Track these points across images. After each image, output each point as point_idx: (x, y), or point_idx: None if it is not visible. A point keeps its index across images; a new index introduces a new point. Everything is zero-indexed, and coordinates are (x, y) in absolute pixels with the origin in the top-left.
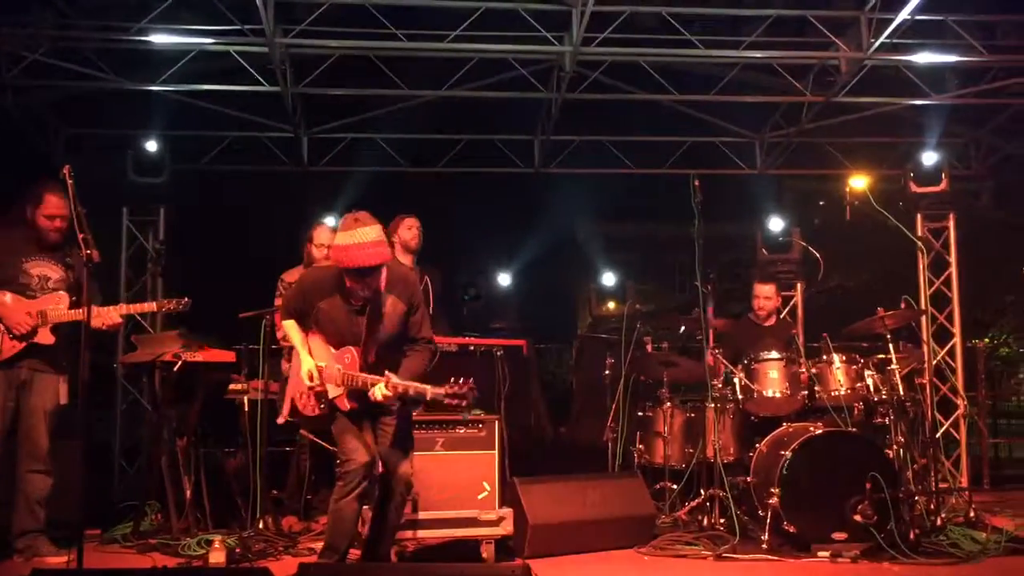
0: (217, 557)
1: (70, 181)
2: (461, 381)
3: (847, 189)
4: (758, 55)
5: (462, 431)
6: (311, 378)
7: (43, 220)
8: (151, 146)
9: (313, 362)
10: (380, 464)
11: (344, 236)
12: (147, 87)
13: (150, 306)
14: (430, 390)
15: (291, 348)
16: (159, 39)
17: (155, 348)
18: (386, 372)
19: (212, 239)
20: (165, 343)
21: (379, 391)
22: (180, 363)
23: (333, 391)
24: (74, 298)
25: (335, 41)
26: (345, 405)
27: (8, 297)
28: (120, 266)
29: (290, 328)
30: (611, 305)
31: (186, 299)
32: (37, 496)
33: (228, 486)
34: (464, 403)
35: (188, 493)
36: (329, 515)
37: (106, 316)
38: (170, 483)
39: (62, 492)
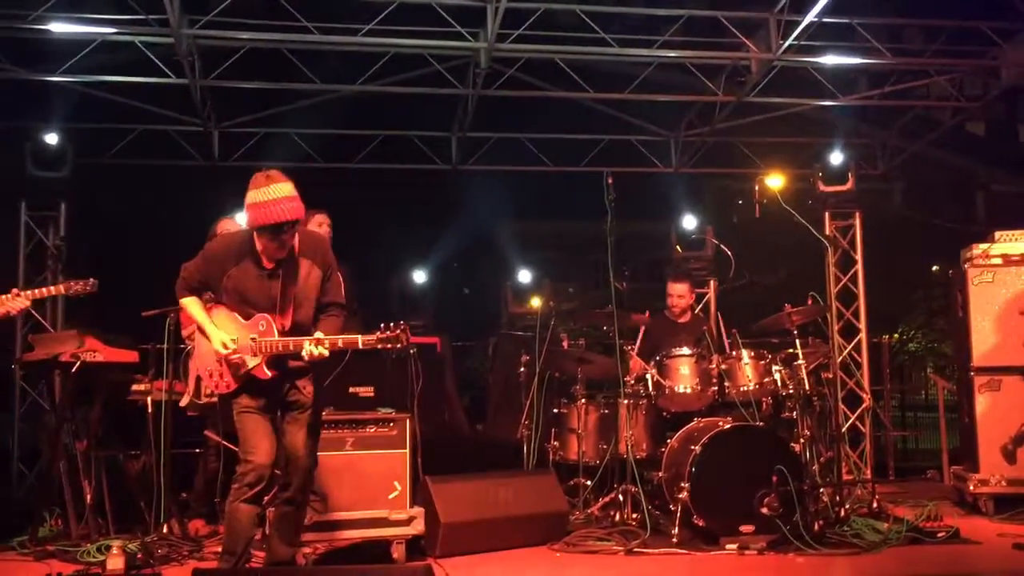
0: (115, 563)
1: None
2: (392, 324)
3: (756, 188)
4: (671, 54)
5: (372, 430)
6: (225, 347)
7: None
8: (51, 139)
9: (223, 333)
10: (283, 462)
11: (256, 193)
12: (47, 77)
13: (56, 289)
14: (361, 338)
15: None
16: (59, 27)
17: (52, 348)
18: (315, 330)
19: (117, 236)
20: (63, 342)
21: (313, 348)
22: (79, 364)
23: (251, 361)
24: None
25: (244, 33)
26: (265, 374)
27: None
28: (18, 262)
29: (190, 304)
30: (535, 302)
31: (93, 280)
32: None
33: (131, 490)
34: (400, 345)
35: (88, 498)
36: (225, 517)
37: (11, 303)
38: (69, 487)
39: None
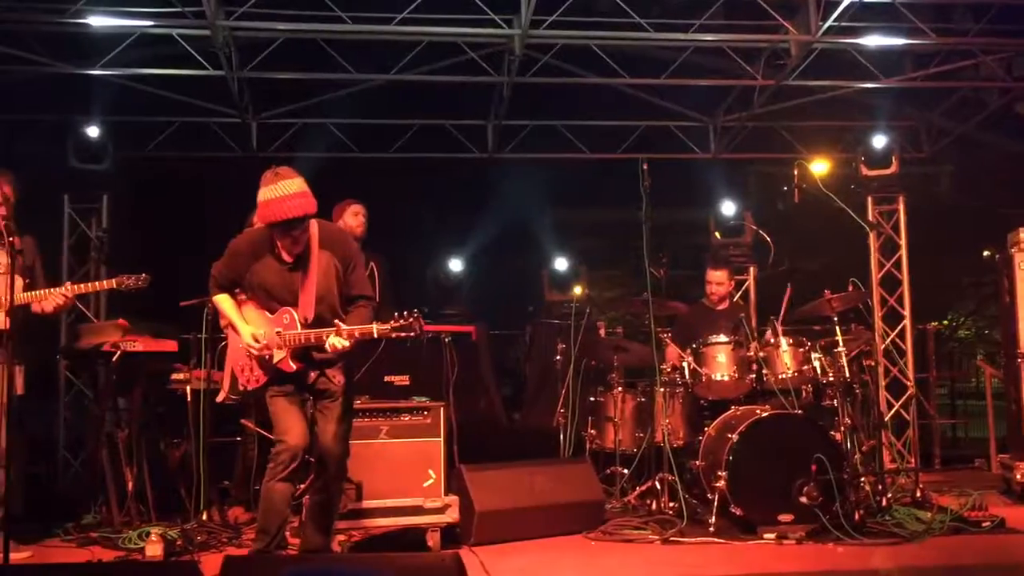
0: (154, 550)
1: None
2: (406, 313)
3: (795, 173)
4: (708, 38)
5: (407, 419)
6: (256, 340)
7: None
8: (93, 132)
9: (252, 328)
10: (316, 450)
11: (266, 191)
12: (88, 71)
13: (108, 283)
14: (375, 327)
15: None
16: (97, 21)
17: (94, 338)
18: (336, 322)
19: (158, 227)
20: (105, 332)
21: (336, 341)
22: (119, 353)
23: (277, 355)
24: (27, 280)
25: (279, 24)
26: (290, 367)
27: None
28: (62, 254)
29: (221, 302)
30: (577, 290)
31: (144, 275)
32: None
33: (172, 478)
34: (413, 333)
35: (130, 485)
36: (260, 497)
37: (56, 297)
38: (111, 476)
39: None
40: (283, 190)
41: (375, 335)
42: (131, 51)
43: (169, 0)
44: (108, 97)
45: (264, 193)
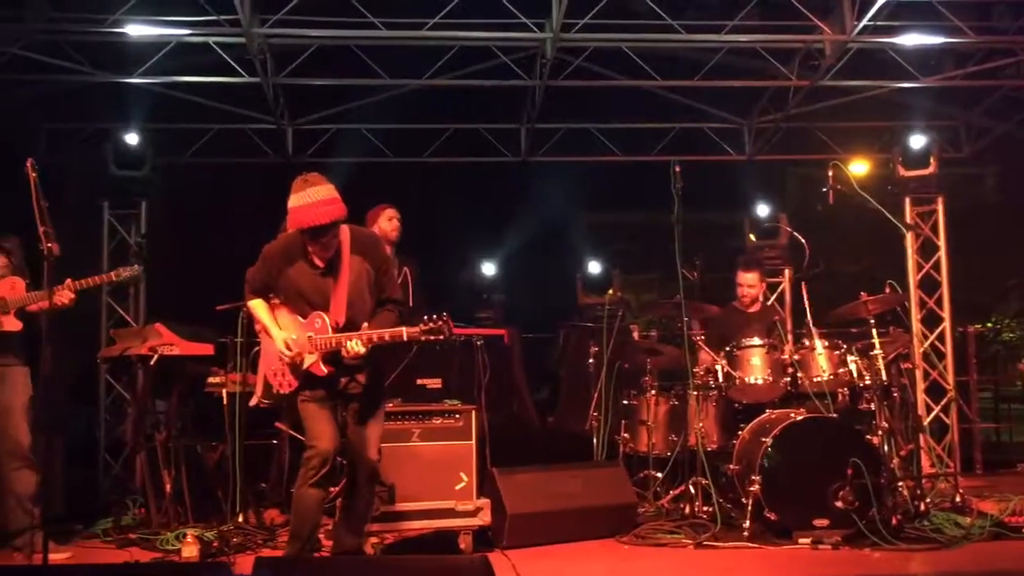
0: (190, 551)
1: (33, 174)
2: (435, 316)
3: (829, 174)
4: (742, 39)
5: (438, 421)
6: (288, 347)
7: None
8: (131, 139)
9: (286, 333)
10: (347, 453)
11: (295, 198)
12: (125, 79)
13: (107, 277)
14: (405, 330)
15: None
16: (135, 30)
17: (132, 342)
18: (363, 326)
19: (195, 232)
20: (142, 337)
21: (353, 345)
22: (157, 356)
23: (307, 359)
24: (27, 281)
25: (313, 31)
26: (321, 370)
27: None
28: (103, 260)
29: (256, 307)
30: (610, 293)
31: (137, 265)
32: (27, 493)
33: (209, 480)
34: (442, 336)
35: (168, 487)
36: (293, 503)
37: (59, 295)
38: (150, 477)
39: (45, 487)
40: (311, 197)
41: (405, 338)
42: (168, 60)
43: (205, 9)
44: (146, 105)
45: (294, 200)
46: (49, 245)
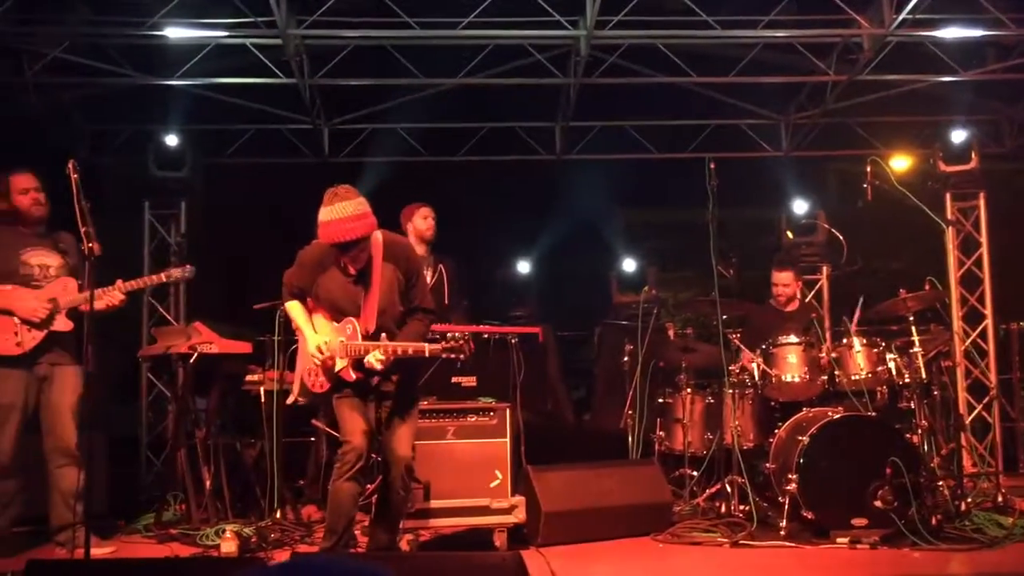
0: (228, 547)
1: (75, 175)
2: (457, 335)
3: (867, 169)
4: (778, 34)
5: (473, 419)
6: (320, 351)
7: (20, 198)
8: (171, 140)
9: (319, 337)
10: (381, 450)
11: (324, 211)
12: (166, 82)
13: (157, 278)
14: (427, 347)
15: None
16: (174, 33)
17: (172, 340)
18: (382, 337)
19: (235, 232)
20: (182, 335)
21: (373, 357)
22: (197, 355)
23: (339, 363)
24: (80, 282)
25: (348, 31)
26: (351, 376)
27: (18, 291)
28: (143, 259)
29: (292, 309)
30: (647, 290)
31: (189, 266)
32: (72, 490)
33: (247, 476)
34: (462, 356)
35: (208, 483)
36: (328, 497)
37: (109, 296)
38: (190, 474)
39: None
40: (339, 212)
41: (426, 354)
42: (207, 61)
43: (242, 11)
44: (186, 106)
45: (323, 213)
46: (90, 245)
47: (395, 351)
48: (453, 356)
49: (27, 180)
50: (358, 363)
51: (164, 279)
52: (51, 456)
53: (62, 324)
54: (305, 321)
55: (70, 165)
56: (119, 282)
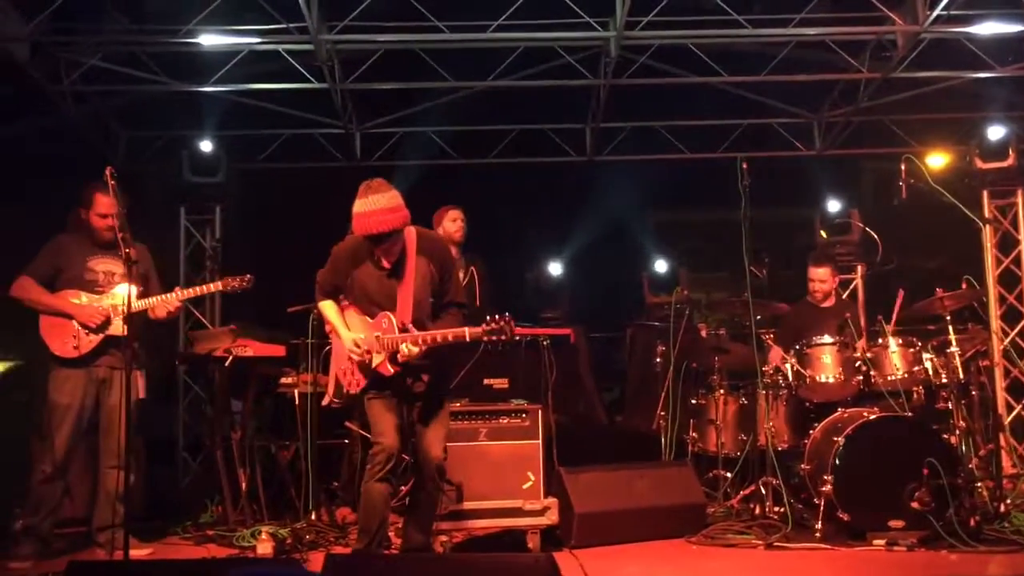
0: (264, 548)
1: (112, 182)
2: (497, 316)
3: (902, 168)
4: (810, 33)
5: (505, 421)
6: (357, 346)
7: (96, 219)
8: (206, 146)
9: (354, 334)
10: (414, 451)
11: (359, 203)
12: (200, 88)
13: (215, 286)
14: (468, 330)
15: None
16: (207, 40)
17: (208, 343)
18: (410, 327)
19: (268, 235)
20: (218, 339)
21: (406, 348)
22: (232, 358)
23: (375, 359)
24: (142, 288)
25: (379, 36)
26: (388, 370)
27: (81, 297)
28: (179, 264)
29: (326, 308)
30: (679, 291)
31: (249, 276)
32: (118, 492)
33: (282, 478)
34: (504, 337)
35: (243, 485)
36: (360, 498)
37: (168, 303)
38: (226, 476)
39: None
40: (373, 204)
41: (468, 338)
42: (239, 67)
43: (274, 17)
44: (220, 112)
45: (357, 205)
46: (127, 251)
47: (433, 339)
48: (495, 338)
49: (108, 206)
50: (394, 356)
51: (222, 288)
52: (104, 457)
53: (118, 329)
54: (339, 320)
55: (107, 172)
56: (176, 290)
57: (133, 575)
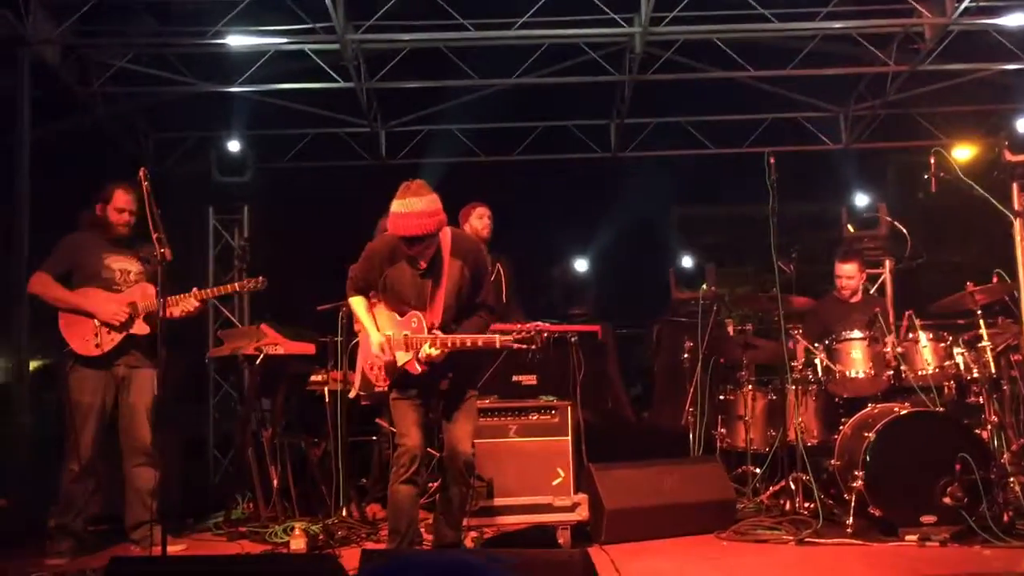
0: (298, 544)
1: (145, 183)
2: (528, 325)
3: (931, 161)
4: (837, 26)
5: (535, 417)
6: (383, 349)
7: (114, 214)
8: (233, 146)
9: (381, 335)
10: (443, 448)
11: (396, 204)
12: (227, 89)
13: (231, 287)
14: (498, 338)
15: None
16: (235, 41)
17: (238, 342)
18: (434, 331)
19: (296, 235)
20: (248, 337)
21: (426, 349)
22: (262, 356)
23: (402, 357)
24: (159, 287)
25: (405, 35)
26: (416, 368)
27: (100, 294)
28: (208, 263)
29: (356, 304)
30: (704, 288)
31: (262, 277)
32: (147, 488)
33: (313, 475)
34: (533, 346)
35: (275, 482)
36: (388, 499)
37: (185, 303)
38: (257, 473)
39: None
40: (409, 207)
41: (497, 346)
42: (265, 67)
43: (300, 17)
44: (247, 112)
45: (394, 205)
46: (163, 251)
47: (462, 343)
48: (525, 347)
49: (127, 201)
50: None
51: (238, 289)
52: (128, 455)
53: (140, 328)
54: (368, 317)
55: (141, 173)
56: (195, 290)
57: (174, 571)
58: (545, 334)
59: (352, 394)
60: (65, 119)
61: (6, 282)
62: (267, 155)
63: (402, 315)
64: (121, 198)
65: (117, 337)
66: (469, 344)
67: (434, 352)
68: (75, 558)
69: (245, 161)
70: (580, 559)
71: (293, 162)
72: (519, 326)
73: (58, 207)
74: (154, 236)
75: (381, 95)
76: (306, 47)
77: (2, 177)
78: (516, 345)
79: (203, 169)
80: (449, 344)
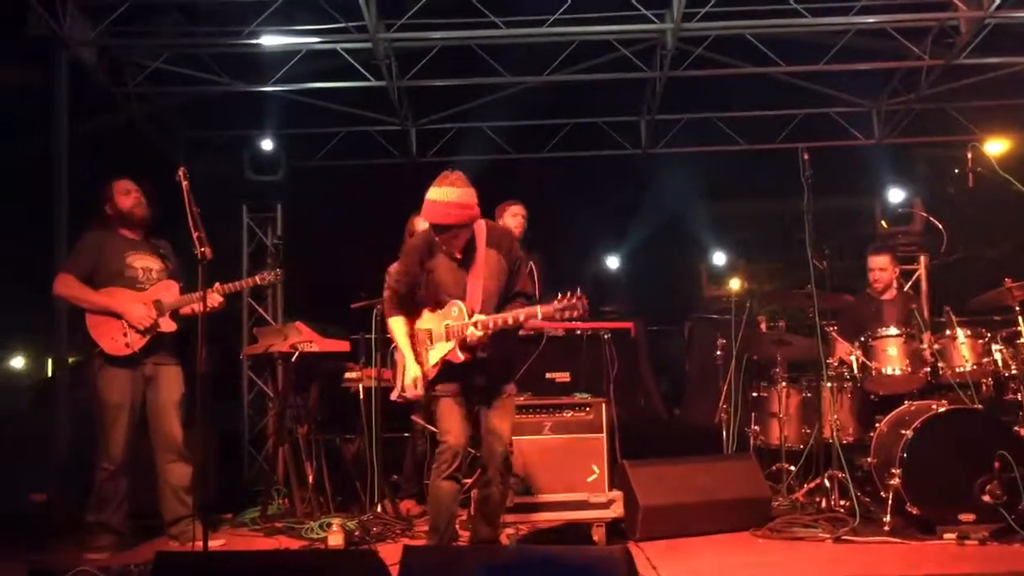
0: (336, 540)
1: (185, 183)
2: (569, 294)
3: (968, 155)
4: (870, 20)
5: (569, 414)
6: (415, 384)
7: (122, 199)
8: (266, 145)
9: (419, 369)
10: (481, 445)
11: (432, 191)
12: (260, 88)
13: (250, 281)
14: (540, 308)
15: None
16: (268, 40)
17: (273, 340)
18: (476, 314)
19: (328, 232)
20: (282, 335)
21: (471, 331)
22: (297, 354)
23: (444, 347)
24: (181, 284)
25: (436, 33)
26: (459, 357)
27: (125, 294)
28: (242, 262)
29: (395, 326)
30: (735, 284)
31: (279, 270)
32: (182, 484)
33: (348, 471)
34: (577, 312)
35: (310, 478)
36: (428, 495)
37: (209, 298)
38: (293, 469)
39: (200, 479)
40: (445, 196)
41: (539, 317)
42: (297, 66)
43: (331, 16)
44: (279, 111)
45: (430, 192)
46: (203, 250)
47: (504, 320)
48: (569, 314)
49: (126, 184)
50: (464, 343)
51: (257, 281)
52: (160, 453)
53: (166, 325)
54: (406, 343)
55: (180, 172)
56: (217, 285)
57: (219, 565)
58: (587, 300)
59: (394, 395)
60: (100, 118)
61: (46, 281)
62: (299, 153)
63: (442, 306)
64: (120, 185)
65: (146, 335)
66: (511, 321)
67: (478, 333)
68: (115, 553)
69: (278, 160)
70: (621, 555)
71: (324, 160)
72: (557, 301)
73: (93, 206)
74: (195, 235)
75: (412, 93)
76: (338, 46)
77: (41, 176)
78: (559, 314)
79: (236, 168)
80: (491, 324)
